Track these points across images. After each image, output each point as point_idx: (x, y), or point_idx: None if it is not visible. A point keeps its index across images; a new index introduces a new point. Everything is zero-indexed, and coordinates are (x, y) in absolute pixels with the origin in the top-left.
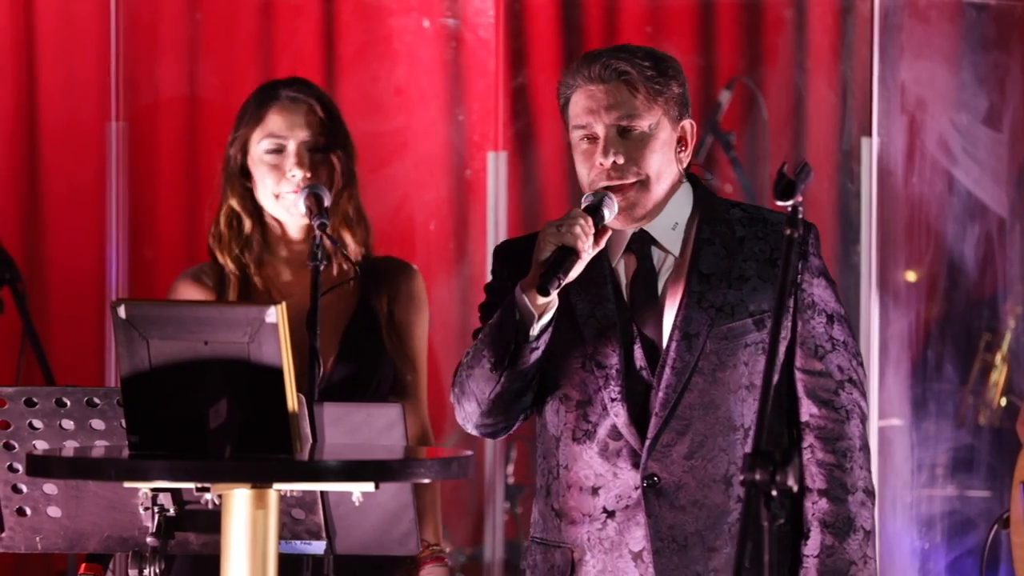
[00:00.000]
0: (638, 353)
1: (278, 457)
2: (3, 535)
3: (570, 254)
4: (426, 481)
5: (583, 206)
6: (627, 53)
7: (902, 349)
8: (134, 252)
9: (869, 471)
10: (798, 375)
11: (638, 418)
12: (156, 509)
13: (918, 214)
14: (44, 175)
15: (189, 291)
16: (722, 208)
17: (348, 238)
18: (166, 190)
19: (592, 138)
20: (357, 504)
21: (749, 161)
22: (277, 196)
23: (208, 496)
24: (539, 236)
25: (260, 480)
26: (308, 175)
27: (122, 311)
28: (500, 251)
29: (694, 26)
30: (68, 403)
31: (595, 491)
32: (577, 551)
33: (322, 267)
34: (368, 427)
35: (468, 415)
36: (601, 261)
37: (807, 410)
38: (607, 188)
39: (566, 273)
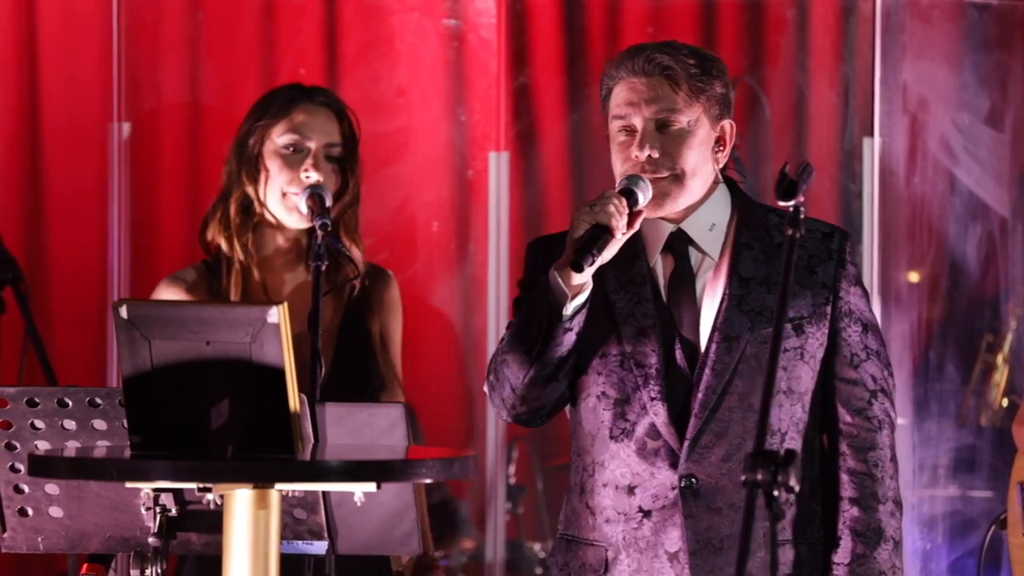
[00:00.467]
0: (678, 353)
1: (280, 457)
2: (5, 535)
3: (604, 232)
4: (428, 481)
5: (617, 189)
6: (672, 48)
7: (904, 349)
8: (136, 252)
9: (898, 482)
10: (834, 383)
11: (677, 418)
12: (158, 509)
13: (920, 214)
14: (46, 175)
15: (170, 296)
16: (760, 213)
17: (355, 251)
18: (168, 190)
19: (630, 130)
20: (359, 504)
21: (751, 161)
22: (284, 194)
23: (210, 496)
24: (573, 217)
25: (262, 480)
26: (320, 178)
27: (124, 311)
28: (534, 247)
29: (696, 26)
30: (70, 403)
31: (631, 490)
32: (611, 550)
33: (323, 267)
34: (370, 427)
35: (503, 401)
36: (640, 260)
37: (841, 418)
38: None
39: (600, 251)
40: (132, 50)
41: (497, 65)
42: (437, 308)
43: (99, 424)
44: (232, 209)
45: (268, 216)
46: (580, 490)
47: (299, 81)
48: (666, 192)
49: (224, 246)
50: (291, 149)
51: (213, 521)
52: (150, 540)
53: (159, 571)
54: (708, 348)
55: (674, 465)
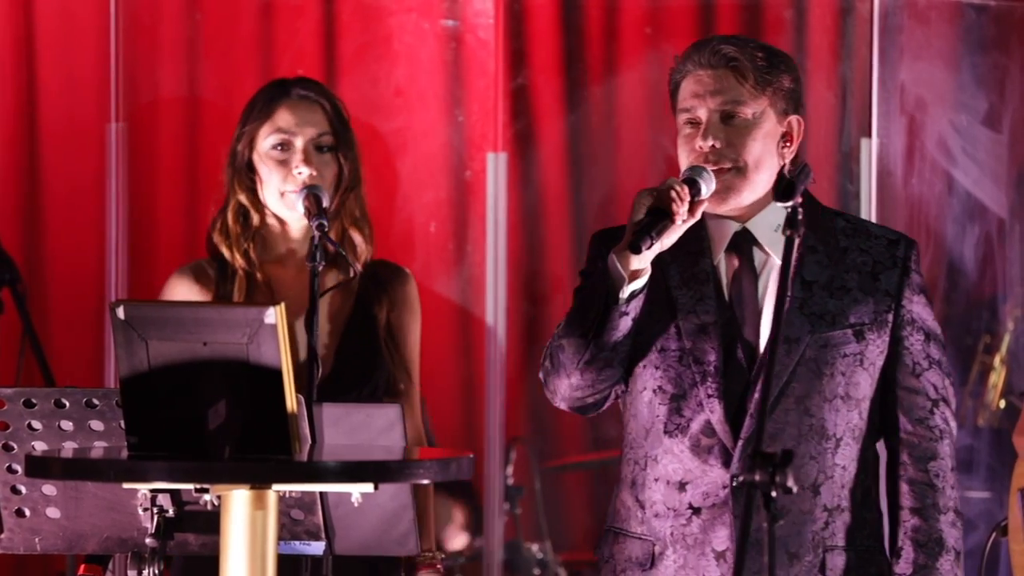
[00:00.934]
0: (738, 352)
1: (277, 458)
2: (2, 536)
3: (664, 217)
4: (425, 482)
5: (681, 178)
6: (740, 41)
7: None
8: (133, 253)
9: (958, 492)
10: (895, 391)
11: (733, 417)
12: (155, 510)
13: (917, 215)
14: (44, 175)
15: (184, 287)
16: (826, 217)
17: (357, 238)
18: (166, 191)
19: (695, 122)
20: (356, 505)
21: None
22: (282, 194)
23: (207, 497)
24: (634, 201)
25: (259, 481)
26: (314, 173)
27: (121, 312)
28: (597, 238)
29: (694, 27)
30: (67, 404)
31: (682, 486)
32: (659, 544)
33: (320, 268)
34: (367, 428)
35: (557, 387)
36: (704, 258)
37: (902, 427)
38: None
39: (659, 234)
40: (130, 50)
41: (495, 66)
42: (435, 308)
43: (96, 425)
44: (230, 218)
45: (271, 220)
46: (631, 483)
47: None
48: (730, 186)
49: (226, 254)
50: (279, 149)
51: (210, 522)
52: (147, 541)
53: (156, 572)
54: (768, 349)
55: (727, 464)
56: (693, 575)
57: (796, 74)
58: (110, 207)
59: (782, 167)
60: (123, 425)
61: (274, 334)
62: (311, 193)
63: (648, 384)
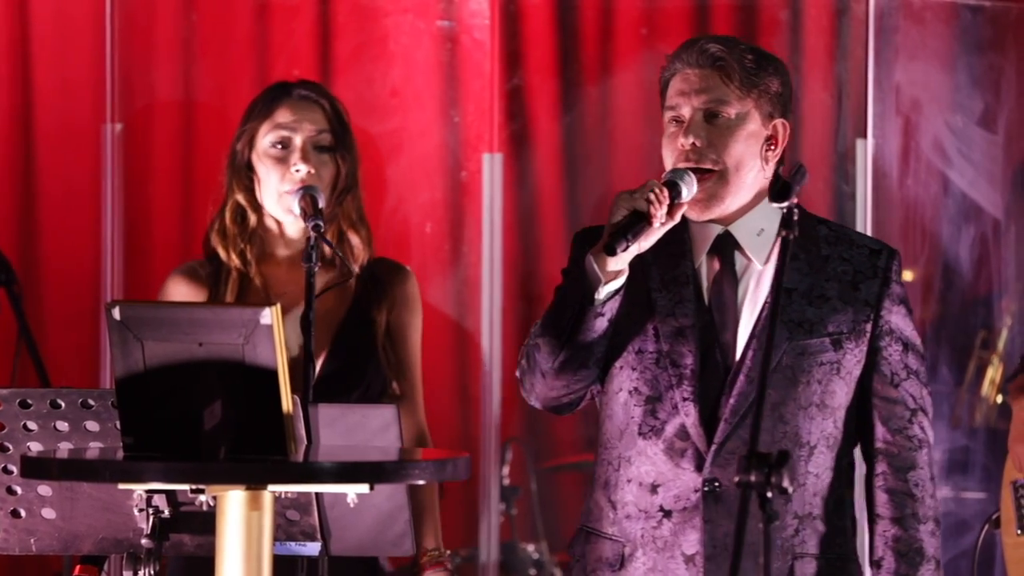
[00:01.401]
0: (715, 356)
1: (273, 458)
2: None
3: (641, 219)
4: (421, 483)
5: (662, 180)
6: (729, 42)
7: None
8: (129, 254)
9: (937, 500)
10: (873, 400)
11: (707, 421)
12: (151, 511)
13: (913, 216)
14: (39, 177)
15: (181, 288)
16: (809, 224)
17: (355, 240)
18: (161, 192)
19: (679, 120)
20: (352, 505)
21: None
22: (280, 195)
23: (203, 498)
24: (612, 202)
25: (255, 481)
26: (312, 171)
27: (116, 313)
28: (579, 237)
29: (689, 28)
30: (63, 405)
31: (654, 488)
32: (629, 546)
33: (316, 269)
34: (363, 428)
35: (533, 386)
36: (685, 260)
37: (880, 436)
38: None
39: (635, 237)
40: (125, 51)
41: (491, 67)
42: (430, 309)
43: (92, 425)
44: (227, 219)
45: (268, 220)
46: (604, 484)
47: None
48: (712, 194)
49: (223, 255)
50: (278, 147)
51: (206, 522)
52: (143, 541)
53: (152, 572)
54: (744, 355)
55: (699, 468)
56: None
57: (786, 78)
58: (106, 208)
59: (778, 168)
60: (119, 426)
61: (270, 335)
62: (307, 193)
63: (624, 385)
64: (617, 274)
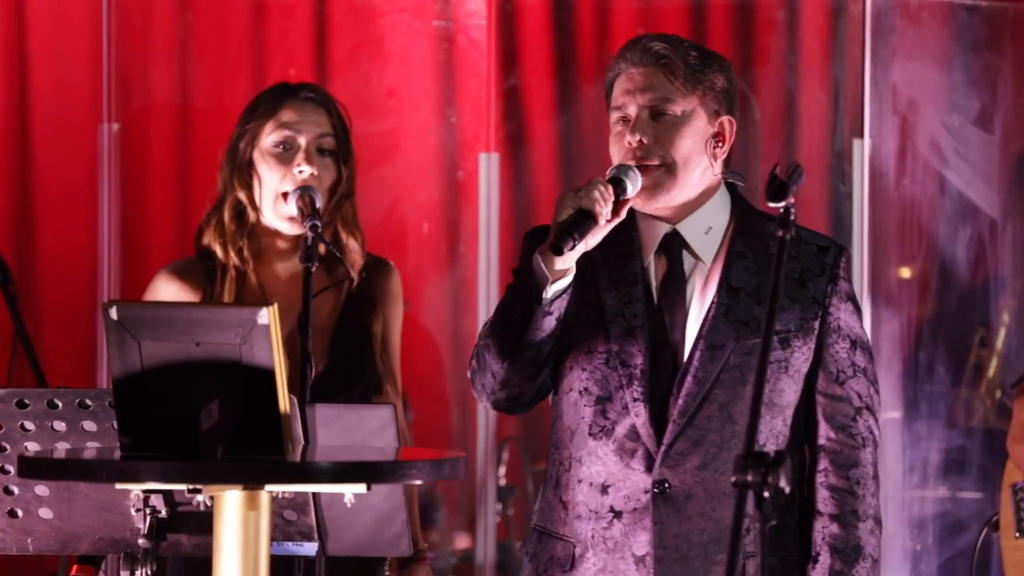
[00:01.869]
0: (663, 357)
1: (270, 458)
2: None
3: (587, 218)
4: (418, 483)
5: (606, 177)
6: (672, 40)
7: (894, 350)
8: (126, 253)
9: (879, 500)
10: (817, 397)
11: (657, 421)
12: (148, 511)
13: (910, 215)
14: (36, 177)
15: (171, 287)
16: (758, 221)
17: (352, 244)
18: (158, 191)
19: (625, 119)
20: (349, 506)
21: (741, 162)
22: (281, 195)
23: (200, 497)
24: (557, 201)
25: (252, 481)
26: (314, 172)
27: (114, 312)
28: (530, 236)
29: (686, 27)
30: (60, 405)
31: (605, 489)
32: (579, 546)
33: (313, 269)
34: (360, 428)
35: (484, 386)
36: (634, 259)
37: (824, 434)
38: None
39: (582, 236)
40: (122, 51)
41: (487, 66)
42: (426, 309)
43: (89, 425)
44: (226, 216)
45: (265, 220)
46: (555, 483)
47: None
48: (659, 183)
49: (219, 252)
50: (281, 147)
51: (203, 522)
52: (140, 541)
53: (149, 572)
54: (692, 355)
55: (649, 468)
56: None
57: (730, 75)
58: (103, 208)
59: (775, 166)
60: (116, 426)
61: (267, 335)
62: (305, 193)
63: (575, 385)
64: (564, 272)
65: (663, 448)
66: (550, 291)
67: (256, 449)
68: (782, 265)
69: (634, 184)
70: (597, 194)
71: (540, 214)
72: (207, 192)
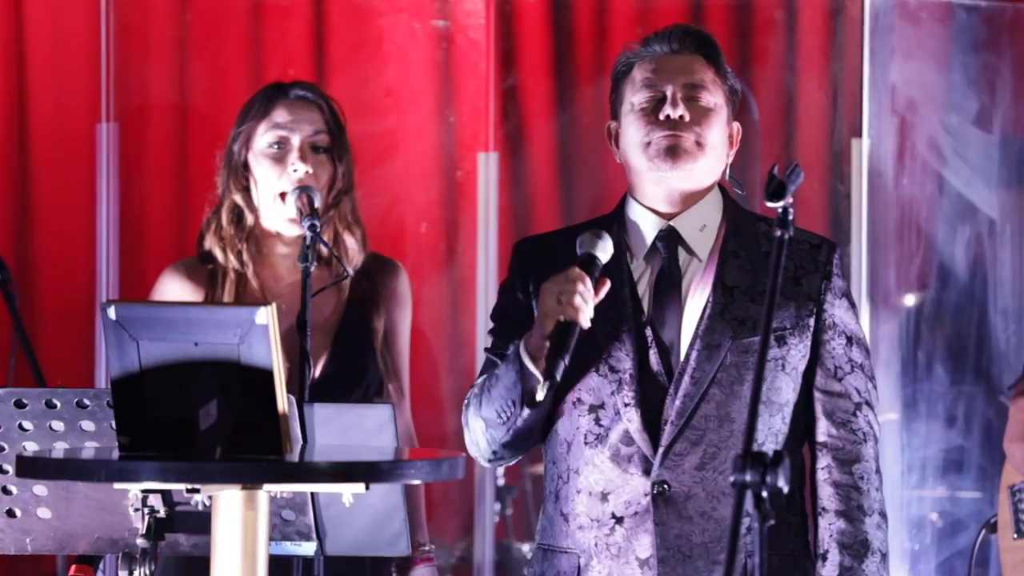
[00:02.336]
0: (653, 358)
1: (268, 458)
2: None
3: (572, 329)
4: (417, 482)
5: (579, 251)
6: (705, 32)
7: (892, 350)
8: (125, 253)
9: (883, 494)
10: (816, 394)
11: (651, 424)
12: (146, 510)
13: (908, 215)
14: (35, 176)
15: (177, 285)
16: (750, 221)
17: (351, 241)
18: (157, 191)
19: (657, 98)
20: (347, 505)
21: (739, 162)
22: (279, 195)
23: (198, 497)
24: (541, 301)
25: (250, 481)
26: (309, 171)
27: (112, 312)
28: (518, 249)
29: None
30: (58, 404)
31: (604, 496)
32: (583, 556)
33: (312, 268)
34: (358, 428)
35: (477, 449)
36: (620, 260)
37: (824, 430)
38: (667, 144)
39: (569, 348)
40: (120, 51)
41: (486, 66)
42: (425, 309)
43: (87, 425)
44: (224, 219)
45: (265, 222)
46: (555, 497)
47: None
48: (688, 149)
49: (219, 256)
50: (275, 147)
51: (201, 522)
52: (138, 541)
53: (147, 572)
54: (688, 355)
55: (647, 472)
56: None
57: (739, 84)
58: (101, 207)
59: (773, 167)
60: (114, 425)
61: (265, 334)
62: (304, 193)
63: (567, 397)
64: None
65: (661, 450)
66: (541, 393)
67: (254, 449)
68: (780, 264)
69: (606, 253)
70: (579, 300)
71: (538, 214)
72: (205, 192)
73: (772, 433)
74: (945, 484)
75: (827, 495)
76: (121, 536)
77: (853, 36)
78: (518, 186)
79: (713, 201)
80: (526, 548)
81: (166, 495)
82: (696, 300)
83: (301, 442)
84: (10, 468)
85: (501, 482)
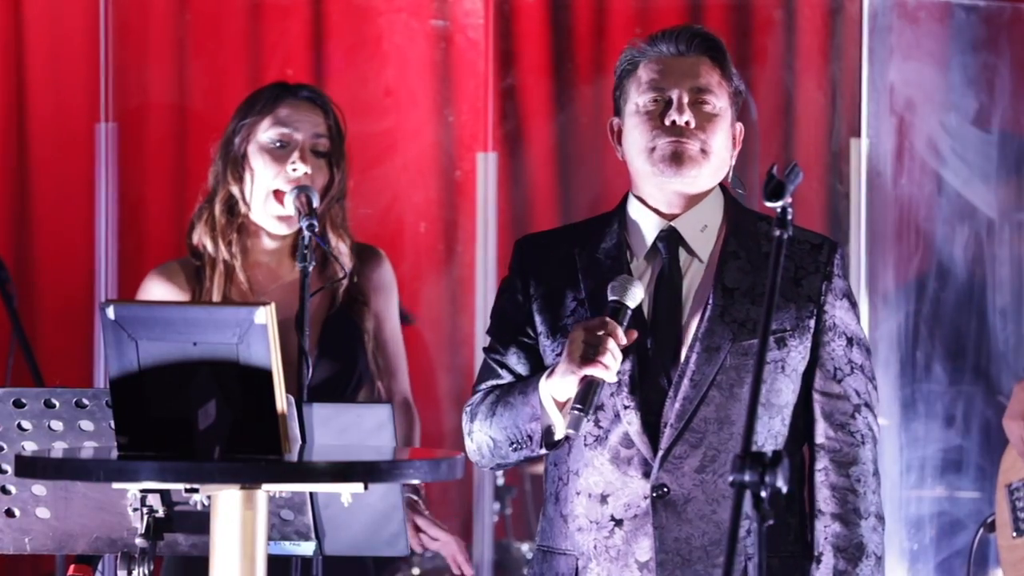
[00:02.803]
0: (653, 360)
1: (267, 458)
2: None
3: (599, 388)
4: (416, 482)
5: (609, 297)
6: (712, 33)
7: (891, 350)
8: (123, 253)
9: (880, 496)
10: (815, 396)
11: (651, 427)
12: (145, 510)
13: (907, 215)
14: (33, 176)
15: (159, 288)
16: (750, 221)
17: (342, 247)
18: (155, 191)
19: (662, 100)
20: (346, 505)
21: (738, 162)
22: (269, 194)
23: (197, 497)
24: (571, 344)
25: (249, 481)
26: (308, 171)
27: (111, 312)
28: (520, 247)
29: None
30: (57, 404)
31: (604, 499)
32: (582, 558)
33: (310, 268)
34: (357, 428)
35: (482, 459)
36: (620, 260)
37: (823, 432)
38: (672, 150)
39: (593, 406)
40: (119, 50)
41: (484, 66)
42: (424, 309)
43: (86, 425)
44: (217, 209)
45: (254, 217)
46: (555, 499)
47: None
48: (693, 156)
49: (210, 247)
50: (278, 144)
51: (200, 522)
52: (137, 541)
53: (146, 572)
54: (688, 358)
55: (647, 474)
56: None
57: (742, 85)
58: (100, 207)
59: (772, 167)
60: (113, 425)
61: (264, 334)
62: (303, 192)
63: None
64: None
65: (661, 452)
66: (560, 435)
67: (253, 448)
68: (779, 266)
69: (634, 298)
70: (610, 358)
71: (537, 213)
72: (205, 184)
73: (771, 435)
74: (944, 484)
75: (823, 497)
76: (120, 536)
77: (852, 36)
78: (517, 186)
79: (714, 201)
80: (525, 548)
81: (165, 495)
82: (696, 302)
83: (300, 442)
84: (9, 468)
85: (500, 482)
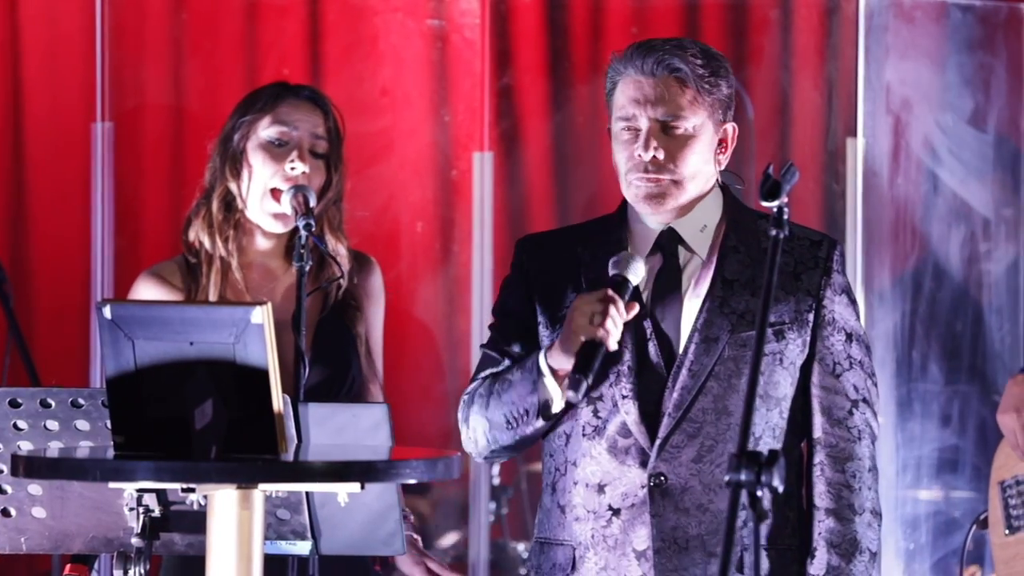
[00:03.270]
0: (652, 351)
1: (263, 458)
2: None
3: (599, 349)
4: (412, 482)
5: (611, 271)
6: (682, 50)
7: (887, 349)
8: (119, 253)
9: (877, 492)
10: (814, 391)
11: (649, 417)
12: (141, 510)
13: (903, 215)
14: (29, 176)
15: (150, 290)
16: (750, 217)
17: (340, 249)
18: (151, 190)
19: (633, 130)
20: (342, 505)
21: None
22: (266, 193)
23: (193, 497)
24: (571, 317)
25: (245, 481)
26: (307, 171)
27: (107, 311)
28: (521, 246)
29: (679, 27)
30: (53, 404)
31: (601, 488)
32: (579, 548)
33: (308, 268)
34: (353, 427)
35: (476, 448)
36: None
37: (820, 427)
38: (645, 192)
39: (593, 368)
40: (115, 50)
41: (481, 65)
42: (420, 309)
43: (82, 424)
44: (215, 206)
45: (250, 215)
46: (552, 489)
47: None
48: (667, 192)
49: (207, 243)
50: (277, 142)
51: (197, 521)
52: (133, 541)
53: (142, 571)
54: (687, 348)
55: (644, 464)
56: None
57: (732, 79)
58: (96, 207)
59: (768, 166)
60: (109, 425)
61: (260, 334)
62: (300, 192)
63: None
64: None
65: (659, 442)
66: (558, 407)
67: (250, 448)
68: (775, 263)
69: (637, 274)
70: (611, 324)
71: (534, 213)
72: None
73: (770, 427)
74: (940, 483)
75: (819, 492)
76: (116, 535)
77: (848, 35)
78: (513, 185)
79: (713, 201)
80: (521, 547)
81: (161, 494)
82: (695, 293)
83: (296, 441)
84: (5, 467)
85: (497, 481)
